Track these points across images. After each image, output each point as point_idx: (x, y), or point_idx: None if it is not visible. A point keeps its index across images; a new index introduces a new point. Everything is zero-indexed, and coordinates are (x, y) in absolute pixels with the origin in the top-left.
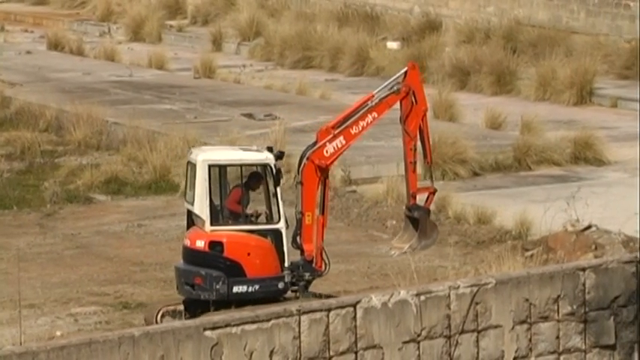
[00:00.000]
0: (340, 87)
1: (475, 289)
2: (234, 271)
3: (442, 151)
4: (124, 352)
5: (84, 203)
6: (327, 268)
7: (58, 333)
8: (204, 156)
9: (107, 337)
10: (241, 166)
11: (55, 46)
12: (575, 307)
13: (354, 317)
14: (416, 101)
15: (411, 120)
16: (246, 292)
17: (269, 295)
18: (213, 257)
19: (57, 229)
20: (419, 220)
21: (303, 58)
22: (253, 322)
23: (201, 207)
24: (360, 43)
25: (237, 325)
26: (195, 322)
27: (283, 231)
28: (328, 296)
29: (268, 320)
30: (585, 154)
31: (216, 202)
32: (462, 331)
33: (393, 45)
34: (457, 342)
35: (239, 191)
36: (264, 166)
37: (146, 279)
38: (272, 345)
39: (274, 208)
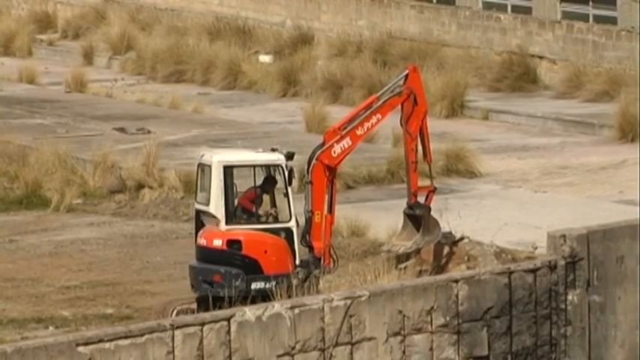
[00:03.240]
0: (213, 100)
1: (349, 301)
2: (252, 268)
3: None
4: None
5: None
6: (336, 265)
7: None
8: (219, 157)
9: None
10: (254, 166)
11: None
12: (448, 318)
13: (228, 331)
14: (416, 103)
15: (413, 121)
16: (264, 288)
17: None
18: (231, 255)
19: None
20: (421, 218)
21: (175, 71)
22: (126, 337)
23: (216, 207)
24: (232, 57)
25: (111, 340)
26: (68, 338)
27: (294, 229)
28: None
29: (142, 335)
30: (457, 167)
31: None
32: (336, 344)
33: (265, 58)
34: (331, 355)
35: (254, 192)
36: (276, 166)
37: (18, 295)
38: None
39: (285, 207)
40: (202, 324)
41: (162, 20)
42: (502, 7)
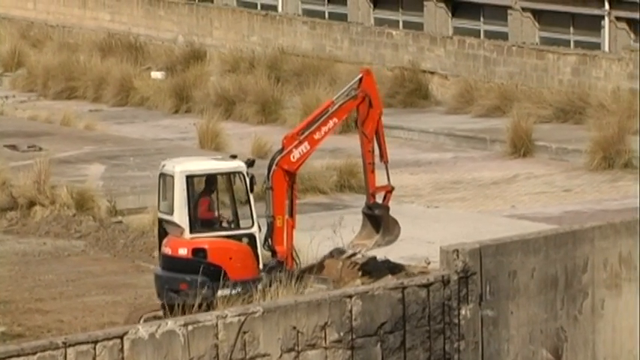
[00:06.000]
0: (105, 117)
1: (243, 318)
2: (218, 275)
3: None
4: None
5: None
6: (298, 267)
7: None
8: (181, 167)
9: None
10: (216, 175)
11: None
12: (342, 334)
13: (122, 349)
14: (371, 105)
15: (368, 123)
16: (230, 294)
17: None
18: (197, 263)
19: None
20: (381, 218)
21: (66, 88)
22: (19, 356)
23: (180, 216)
24: (123, 74)
25: (2, 359)
26: None
27: (257, 235)
28: None
29: (34, 353)
30: (350, 182)
31: None
32: None
33: (157, 75)
34: None
35: (207, 200)
36: (238, 173)
37: None
38: None
39: (247, 213)
40: (95, 342)
41: (53, 37)
42: (394, 23)
